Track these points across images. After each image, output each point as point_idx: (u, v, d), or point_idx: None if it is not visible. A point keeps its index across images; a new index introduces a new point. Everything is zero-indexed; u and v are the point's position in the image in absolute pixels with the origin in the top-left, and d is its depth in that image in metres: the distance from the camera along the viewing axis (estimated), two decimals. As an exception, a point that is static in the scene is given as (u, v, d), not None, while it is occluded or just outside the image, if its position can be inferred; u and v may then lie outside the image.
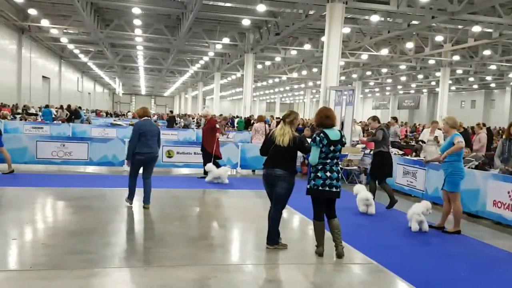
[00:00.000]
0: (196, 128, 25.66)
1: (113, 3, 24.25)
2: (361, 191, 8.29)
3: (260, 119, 14.36)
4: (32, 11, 27.69)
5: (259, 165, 12.23)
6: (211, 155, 10.72)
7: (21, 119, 23.19)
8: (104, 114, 45.73)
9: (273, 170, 5.50)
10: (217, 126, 11.04)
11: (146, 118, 7.52)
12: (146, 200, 7.45)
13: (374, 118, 9.17)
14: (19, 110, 28.80)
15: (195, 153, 12.11)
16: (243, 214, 7.88)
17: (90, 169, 11.94)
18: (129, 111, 57.26)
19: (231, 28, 29.52)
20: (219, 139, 11.14)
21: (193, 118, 35.56)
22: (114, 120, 32.17)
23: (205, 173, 10.80)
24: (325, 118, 5.44)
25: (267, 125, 14.32)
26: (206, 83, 58.17)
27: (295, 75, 45.18)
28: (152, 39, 32.27)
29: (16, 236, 5.68)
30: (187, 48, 35.28)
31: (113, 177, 10.99)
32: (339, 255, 5.41)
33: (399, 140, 16.59)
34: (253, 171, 12.99)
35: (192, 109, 65.07)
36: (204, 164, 10.77)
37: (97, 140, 12.51)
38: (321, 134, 5.32)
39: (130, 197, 7.57)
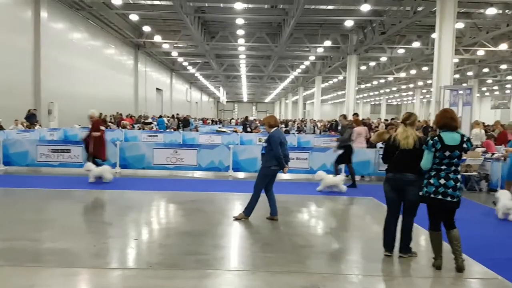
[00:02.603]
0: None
1: (218, 15, 25.44)
2: (504, 197, 7.58)
3: (358, 122, 13.72)
4: (146, 28, 30.22)
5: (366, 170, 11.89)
6: (92, 153, 10.83)
7: (139, 128, 25.39)
8: (210, 121, 48.04)
9: (403, 175, 5.24)
10: (102, 128, 11.09)
11: (277, 127, 7.24)
12: (276, 211, 7.18)
13: (345, 116, 10.64)
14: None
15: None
16: (351, 221, 7.60)
17: (199, 174, 12.54)
18: (232, 118, 59.45)
19: (333, 30, 29.13)
20: None
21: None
22: (219, 128, 33.61)
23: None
24: (450, 120, 4.98)
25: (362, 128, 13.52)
26: (307, 87, 58.11)
27: (402, 75, 43.02)
28: (254, 47, 33.15)
29: (136, 236, 6.12)
30: (288, 54, 35.60)
31: (220, 181, 11.39)
32: (459, 268, 4.92)
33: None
34: (362, 176, 12.51)
35: (292, 115, 65.40)
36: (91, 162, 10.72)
37: (205, 146, 13.10)
38: (435, 138, 4.91)
39: (248, 213, 7.10)
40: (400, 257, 5.37)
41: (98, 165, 10.63)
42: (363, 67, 41.40)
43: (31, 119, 20.64)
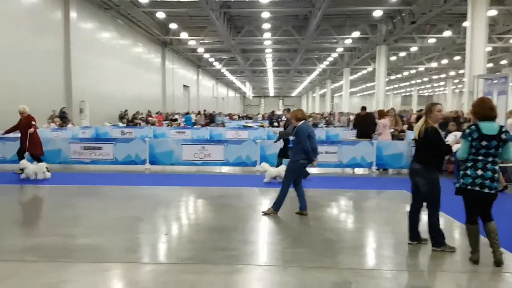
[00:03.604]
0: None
1: (244, 10, 25.37)
2: None
3: (383, 113, 13.46)
4: (173, 25, 30.48)
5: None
6: (24, 150, 10.63)
7: (167, 125, 25.68)
8: (237, 117, 48.15)
9: (412, 164, 5.46)
10: (33, 123, 10.79)
11: (305, 120, 7.09)
12: (305, 205, 7.07)
13: (289, 110, 10.48)
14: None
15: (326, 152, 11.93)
16: (383, 215, 7.42)
17: (226, 169, 12.55)
18: (258, 113, 59.42)
19: (361, 21, 28.61)
20: None
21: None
22: (246, 123, 33.66)
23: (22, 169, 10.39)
24: (489, 110, 4.79)
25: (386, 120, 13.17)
26: (335, 80, 57.48)
27: (434, 64, 41.93)
28: (280, 41, 32.96)
29: (167, 231, 6.15)
30: (315, 46, 35.25)
31: (247, 176, 11.36)
32: (498, 262, 4.74)
33: None
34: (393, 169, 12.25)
35: (320, 108, 64.81)
36: (20, 159, 10.50)
37: (232, 142, 13.09)
38: (472, 127, 4.73)
39: (277, 207, 7.00)
40: (434, 251, 5.25)
41: (40, 161, 10.64)
42: (393, 58, 40.56)
43: (63, 117, 21.21)
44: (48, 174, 10.54)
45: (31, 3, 20.62)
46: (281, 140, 10.78)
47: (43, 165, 10.52)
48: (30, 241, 5.46)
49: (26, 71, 20.12)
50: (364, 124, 13.84)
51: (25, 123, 10.86)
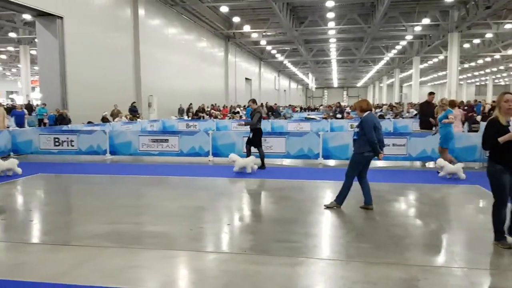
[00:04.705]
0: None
1: (307, 0, 25.02)
2: None
3: (454, 104, 12.52)
4: (236, 19, 30.81)
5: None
6: None
7: (229, 118, 26.12)
8: (299, 109, 47.84)
9: None
10: None
11: (370, 111, 6.83)
12: (370, 200, 6.82)
13: (254, 101, 11.52)
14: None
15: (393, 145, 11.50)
16: (454, 211, 7.02)
17: (287, 161, 12.50)
18: (321, 105, 58.56)
19: (432, 7, 27.18)
20: None
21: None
22: (308, 115, 33.34)
23: None
24: None
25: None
26: (403, 69, 55.29)
27: (510, 52, 38.87)
28: (345, 30, 32.22)
29: (229, 222, 6.25)
30: (382, 34, 34.10)
31: (309, 169, 11.24)
32: None
33: None
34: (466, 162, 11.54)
35: (387, 98, 62.57)
36: None
37: (294, 134, 13.01)
38: None
39: (340, 201, 6.85)
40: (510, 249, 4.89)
41: None
42: (466, 45, 38.17)
43: (134, 111, 22.25)
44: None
45: (104, 2, 21.78)
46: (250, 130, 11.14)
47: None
48: (104, 228, 5.79)
49: (99, 67, 21.35)
50: (425, 114, 12.99)
51: None
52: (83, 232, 5.62)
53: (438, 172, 9.85)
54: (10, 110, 21.13)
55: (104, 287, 3.92)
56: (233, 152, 12.36)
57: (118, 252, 4.88)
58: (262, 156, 11.09)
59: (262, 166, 10.99)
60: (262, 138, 12.15)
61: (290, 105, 45.11)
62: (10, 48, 41.15)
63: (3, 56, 46.94)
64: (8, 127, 15.06)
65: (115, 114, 20.91)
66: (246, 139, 12.41)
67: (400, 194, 8.30)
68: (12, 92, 60.89)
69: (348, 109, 30.58)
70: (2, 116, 13.99)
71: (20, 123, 18.42)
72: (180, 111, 28.13)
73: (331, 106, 30.07)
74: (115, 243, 5.16)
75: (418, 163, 12.01)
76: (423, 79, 64.00)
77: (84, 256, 4.73)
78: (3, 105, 20.86)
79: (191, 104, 28.94)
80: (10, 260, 4.69)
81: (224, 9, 28.39)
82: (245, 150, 11.27)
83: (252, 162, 10.48)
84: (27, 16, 24.84)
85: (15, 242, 5.21)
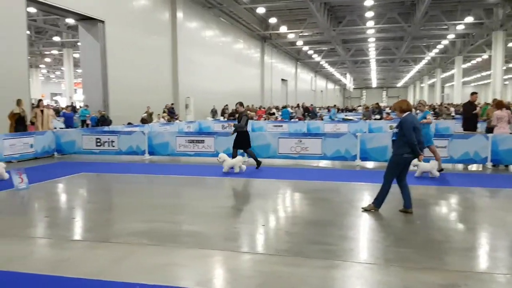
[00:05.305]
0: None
1: (345, -1, 24.71)
2: None
3: (500, 104, 11.96)
4: (272, 20, 30.82)
5: None
6: None
7: (264, 119, 26.16)
8: (336, 110, 47.26)
9: None
10: None
11: (410, 112, 6.65)
12: (410, 203, 6.65)
13: (241, 104, 11.79)
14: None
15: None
16: (498, 216, 6.71)
17: (324, 163, 12.36)
18: (359, 105, 57.60)
19: (475, 5, 26.23)
20: None
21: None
22: (346, 116, 32.87)
23: None
24: None
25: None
26: (445, 69, 53.60)
27: (561, 49, 36.87)
28: (385, 29, 31.64)
29: (264, 223, 6.24)
30: (423, 34, 33.24)
31: (346, 171, 11.07)
32: None
33: None
34: (506, 166, 11.09)
35: (428, 99, 60.79)
36: None
37: (330, 135, 12.86)
38: None
39: (378, 204, 6.67)
40: None
41: None
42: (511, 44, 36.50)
43: (172, 113, 22.69)
44: None
45: (143, 6, 22.34)
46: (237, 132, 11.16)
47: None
48: (142, 226, 5.92)
49: (138, 69, 21.91)
50: (468, 114, 12.49)
51: None
52: (122, 230, 5.77)
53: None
54: (57, 111, 22.09)
55: (142, 284, 4.00)
56: (268, 154, 12.40)
57: (156, 249, 4.98)
58: (253, 155, 11.24)
59: (258, 164, 11.14)
60: (298, 140, 12.14)
61: (334, 105, 44.52)
62: (54, 52, 43.00)
63: (48, 59, 49.11)
64: (55, 128, 15.72)
65: (148, 115, 21.39)
66: (280, 140, 12.40)
67: (441, 197, 8.04)
68: (56, 94, 63.53)
69: (387, 110, 29.94)
70: (47, 118, 14.59)
71: (70, 124, 19.23)
72: (213, 112, 28.42)
73: (368, 107, 29.51)
74: (153, 241, 5.26)
75: (460, 166, 11.59)
76: (466, 79, 61.74)
77: (123, 253, 4.86)
78: (52, 107, 21.84)
79: (226, 105, 29.18)
80: (53, 256, 4.88)
81: (260, 10, 28.47)
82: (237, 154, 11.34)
83: (240, 162, 10.67)
84: (70, 21, 25.86)
85: (58, 239, 5.42)
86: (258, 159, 11.25)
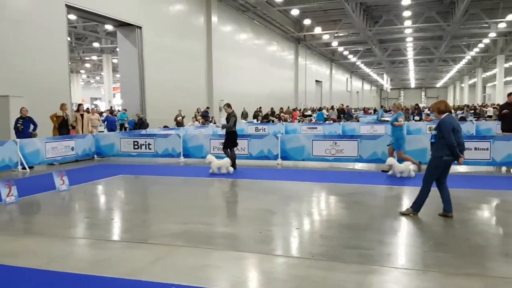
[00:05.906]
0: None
1: (381, -1, 24.28)
2: None
3: None
4: (307, 21, 30.66)
5: None
6: None
7: (299, 121, 26.02)
8: (372, 111, 46.45)
9: None
10: None
11: (449, 113, 6.43)
12: (450, 207, 6.41)
13: (229, 105, 11.60)
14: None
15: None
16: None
17: (359, 166, 12.15)
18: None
19: (517, 1, 25.11)
20: None
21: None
22: (382, 117, 32.23)
23: None
24: None
25: None
26: (487, 68, 51.66)
27: None
28: (423, 28, 30.90)
29: (298, 226, 6.19)
30: (463, 32, 32.20)
31: (383, 174, 10.82)
32: None
33: None
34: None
35: (469, 99, 58.69)
36: None
37: (366, 137, 12.63)
38: None
39: (417, 208, 6.48)
40: None
41: None
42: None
43: (206, 116, 22.96)
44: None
45: (179, 11, 22.77)
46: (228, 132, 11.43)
47: None
48: (177, 227, 6.01)
49: (174, 73, 22.33)
50: (507, 115, 11.82)
51: None
52: (159, 231, 5.88)
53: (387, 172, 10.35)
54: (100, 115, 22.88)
55: (177, 284, 4.06)
56: (302, 156, 12.32)
57: (191, 251, 5.04)
58: (233, 157, 11.41)
59: (234, 166, 11.26)
60: (333, 142, 12.02)
61: (382, 106, 43.79)
62: (94, 57, 44.51)
63: (88, 65, 50.90)
64: (101, 132, 16.27)
65: (180, 119, 21.68)
66: (315, 142, 12.30)
67: (482, 201, 7.72)
68: (95, 99, 65.71)
69: (426, 111, 29.16)
70: (87, 122, 15.09)
71: (112, 128, 19.85)
72: (244, 115, 28.53)
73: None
74: (188, 243, 5.32)
75: (503, 168, 11.11)
76: (508, 78, 59.21)
77: (159, 253, 4.94)
78: (95, 111, 22.62)
79: (260, 107, 29.25)
80: (92, 256, 5.03)
81: (295, 12, 28.38)
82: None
83: (228, 163, 10.90)
84: (109, 27, 26.68)
85: (97, 239, 5.58)
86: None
